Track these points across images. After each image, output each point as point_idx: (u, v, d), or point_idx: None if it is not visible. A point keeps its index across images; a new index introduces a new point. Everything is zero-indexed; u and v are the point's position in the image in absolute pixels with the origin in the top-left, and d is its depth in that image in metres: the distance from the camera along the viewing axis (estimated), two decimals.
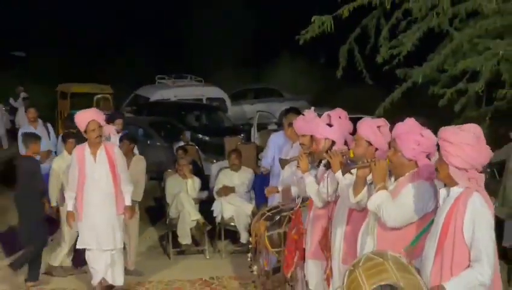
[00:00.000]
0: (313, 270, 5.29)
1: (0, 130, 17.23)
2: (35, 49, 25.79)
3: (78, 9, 26.90)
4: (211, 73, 21.10)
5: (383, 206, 4.11)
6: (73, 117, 7.38)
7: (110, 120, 9.46)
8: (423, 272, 3.83)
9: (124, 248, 7.42)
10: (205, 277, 7.82)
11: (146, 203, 9.46)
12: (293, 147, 6.79)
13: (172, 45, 26.02)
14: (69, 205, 6.94)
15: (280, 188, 6.76)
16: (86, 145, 6.90)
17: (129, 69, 23.74)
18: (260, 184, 8.34)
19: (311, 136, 5.34)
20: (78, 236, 7.09)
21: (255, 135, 13.52)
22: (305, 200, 5.51)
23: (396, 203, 4.12)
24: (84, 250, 7.02)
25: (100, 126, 6.81)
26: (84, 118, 6.80)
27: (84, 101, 13.79)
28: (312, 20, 7.62)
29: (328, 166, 4.93)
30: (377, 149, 4.69)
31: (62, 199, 7.48)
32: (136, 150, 9.03)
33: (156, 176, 10.08)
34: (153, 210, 10.19)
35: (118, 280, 7.04)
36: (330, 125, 5.20)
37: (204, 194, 9.34)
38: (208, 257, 8.66)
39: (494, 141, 7.28)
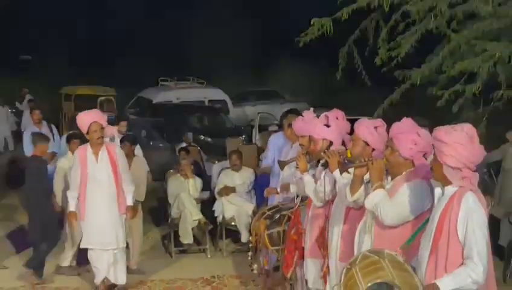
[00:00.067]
0: (311, 269, 5.34)
1: (6, 132, 17.34)
2: (40, 52, 25.93)
3: (82, 13, 27.01)
4: (212, 75, 21.13)
5: (380, 205, 4.14)
6: None
7: (115, 122, 9.63)
8: (418, 270, 3.85)
9: (127, 247, 7.51)
10: (206, 275, 7.87)
11: (149, 204, 9.52)
12: (292, 147, 6.83)
13: (175, 48, 26.10)
14: (72, 205, 6.99)
15: (279, 190, 6.78)
16: (88, 145, 6.96)
17: (132, 71, 23.83)
18: (261, 184, 8.40)
19: (310, 136, 5.40)
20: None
21: (256, 136, 13.55)
22: (304, 199, 5.56)
23: (393, 202, 4.16)
24: (86, 249, 7.07)
25: (102, 127, 6.87)
26: (86, 119, 6.86)
27: (88, 103, 13.83)
28: (312, 22, 7.69)
29: (325, 165, 4.97)
30: (373, 149, 4.73)
31: (66, 199, 7.57)
32: (140, 152, 9.15)
33: (158, 176, 10.16)
34: (156, 210, 10.25)
35: (121, 278, 7.10)
36: (328, 125, 5.25)
37: (206, 194, 9.37)
38: (209, 256, 8.73)
39: (491, 141, 7.37)
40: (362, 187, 4.45)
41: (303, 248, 5.45)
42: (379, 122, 4.88)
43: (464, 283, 3.66)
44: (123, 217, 7.04)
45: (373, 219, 4.30)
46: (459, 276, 3.67)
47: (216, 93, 18.60)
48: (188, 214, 8.64)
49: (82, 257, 7.65)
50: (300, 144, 5.81)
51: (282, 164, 6.19)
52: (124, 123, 9.47)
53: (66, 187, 7.45)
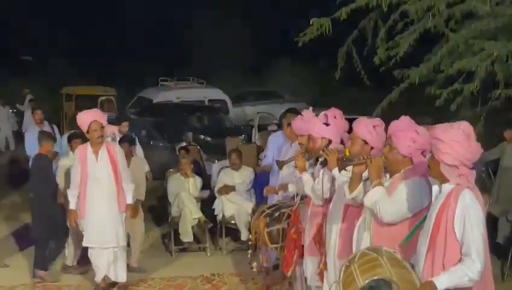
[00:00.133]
0: (309, 266, 5.38)
1: (7, 132, 17.41)
2: (41, 53, 25.98)
3: (83, 14, 27.04)
4: (212, 75, 21.20)
5: (379, 203, 4.17)
6: None
7: (116, 122, 9.70)
8: (416, 267, 3.86)
9: (128, 245, 7.55)
10: (206, 273, 7.90)
11: (149, 203, 9.56)
12: (292, 146, 6.86)
13: (175, 48, 26.14)
14: (72, 204, 7.02)
15: (278, 189, 6.80)
16: (88, 144, 6.99)
17: (133, 71, 23.90)
18: (260, 183, 8.44)
19: (309, 135, 5.43)
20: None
21: (255, 135, 13.61)
22: (304, 198, 5.59)
23: (392, 200, 4.18)
24: (87, 247, 7.10)
25: (102, 126, 6.91)
26: (86, 118, 6.90)
27: (89, 103, 13.89)
28: (311, 22, 7.72)
29: (324, 164, 5.00)
30: (372, 148, 4.76)
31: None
32: (141, 151, 9.17)
33: (158, 176, 10.20)
34: (156, 209, 10.28)
35: (121, 276, 7.12)
36: (327, 124, 5.28)
37: (206, 193, 9.40)
38: (209, 254, 8.76)
39: (489, 140, 7.41)
40: (361, 184, 4.47)
41: (302, 247, 5.48)
42: (377, 121, 4.91)
43: (461, 281, 3.67)
44: (123, 215, 7.06)
45: (372, 216, 4.32)
46: (456, 274, 3.68)
47: (216, 93, 18.66)
48: (188, 212, 8.67)
49: (83, 255, 7.68)
50: (299, 143, 5.85)
51: (280, 164, 6.23)
52: (125, 123, 9.55)
53: (68, 186, 7.48)
